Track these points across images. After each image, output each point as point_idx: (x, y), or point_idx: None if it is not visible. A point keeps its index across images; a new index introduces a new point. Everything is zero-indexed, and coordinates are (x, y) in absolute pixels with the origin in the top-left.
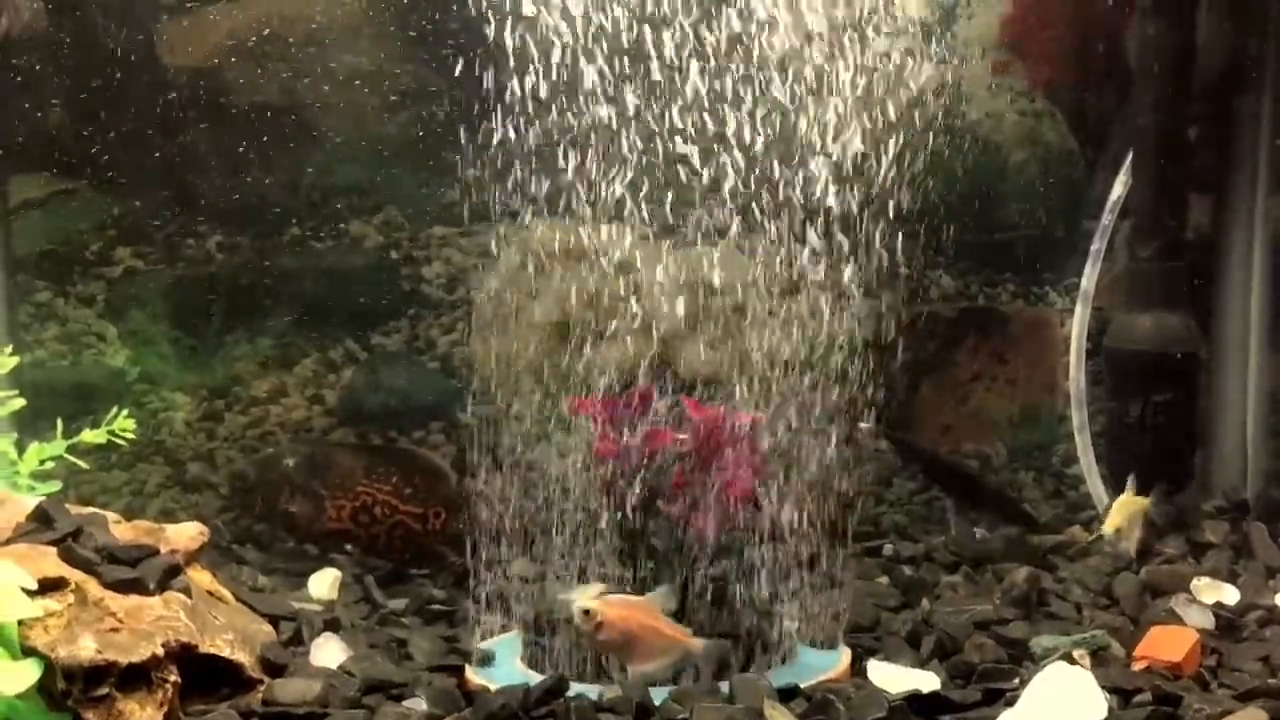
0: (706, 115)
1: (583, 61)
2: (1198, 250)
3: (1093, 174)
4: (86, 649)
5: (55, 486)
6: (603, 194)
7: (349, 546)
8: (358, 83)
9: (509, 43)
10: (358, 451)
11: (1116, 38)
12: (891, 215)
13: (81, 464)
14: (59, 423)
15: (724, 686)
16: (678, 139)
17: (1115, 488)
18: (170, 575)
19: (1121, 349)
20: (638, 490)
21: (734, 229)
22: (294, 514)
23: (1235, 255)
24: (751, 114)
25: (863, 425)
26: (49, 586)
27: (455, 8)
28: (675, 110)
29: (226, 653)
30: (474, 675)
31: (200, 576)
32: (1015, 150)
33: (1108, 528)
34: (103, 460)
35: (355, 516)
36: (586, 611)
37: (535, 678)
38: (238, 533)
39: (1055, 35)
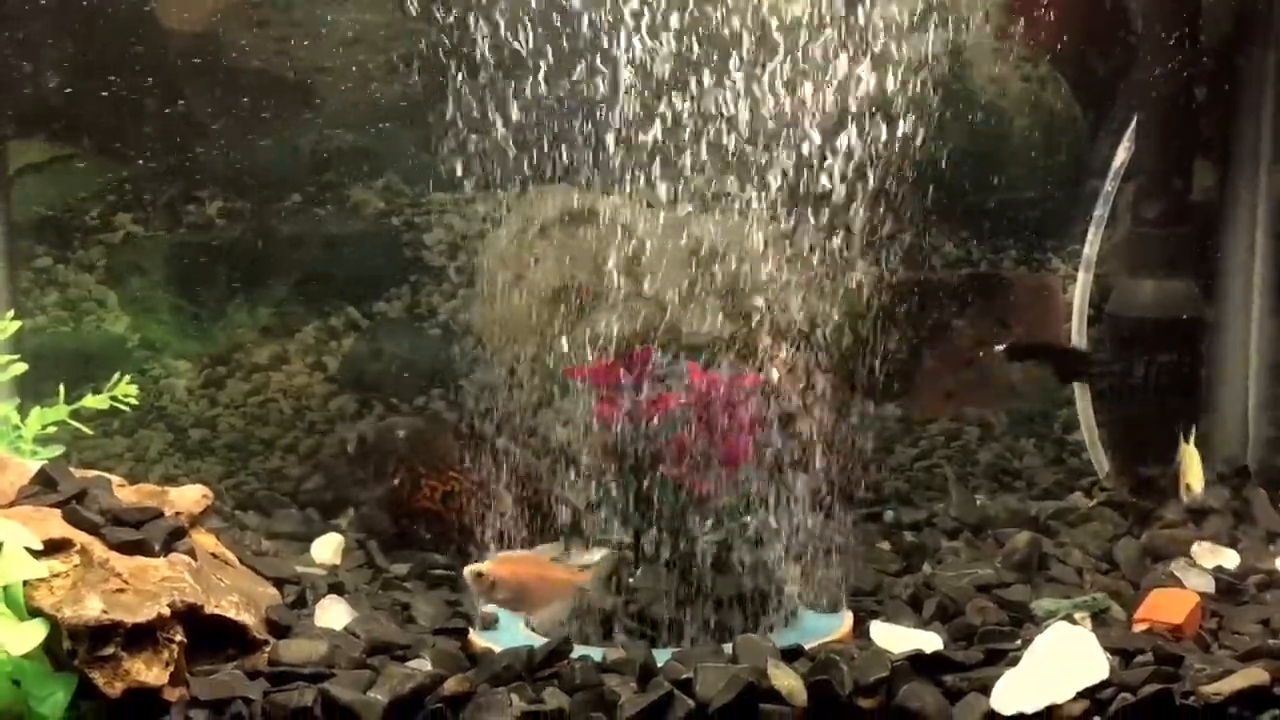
0: (708, 80)
1: (585, 25)
2: (1202, 216)
3: (1096, 140)
4: (92, 609)
5: (58, 451)
6: (604, 160)
7: (427, 534)
8: (359, 46)
9: (511, 5)
10: (456, 437)
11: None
12: (893, 182)
13: (84, 429)
14: (61, 388)
15: (727, 647)
16: (681, 104)
17: (1115, 454)
18: (175, 537)
19: (1124, 315)
20: (639, 454)
21: (734, 195)
22: (396, 486)
23: (1239, 221)
24: (753, 77)
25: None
26: (54, 548)
27: None
28: (678, 73)
29: (232, 614)
30: (477, 638)
31: (204, 539)
32: (1018, 116)
33: (1194, 484)
34: (104, 426)
35: (445, 500)
36: (479, 575)
37: (538, 640)
38: (240, 498)
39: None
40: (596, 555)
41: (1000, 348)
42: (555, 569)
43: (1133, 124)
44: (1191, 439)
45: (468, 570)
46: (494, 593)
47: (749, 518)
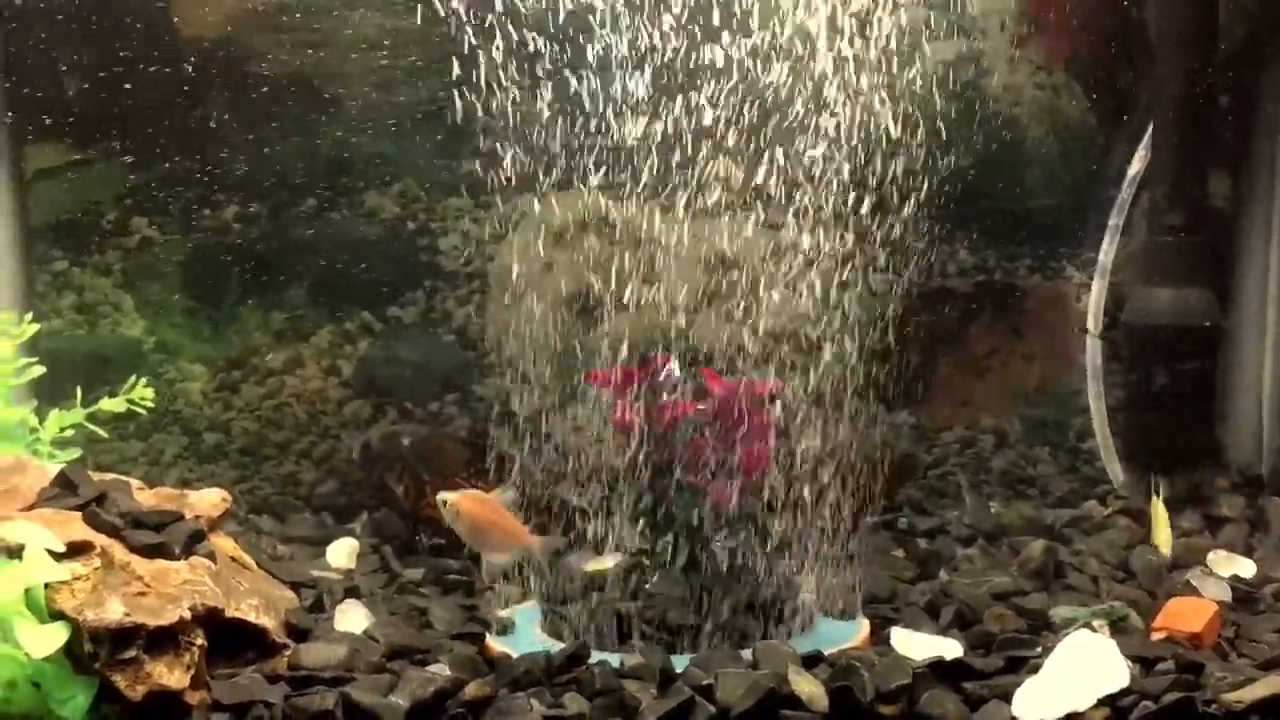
0: (723, 86)
1: (599, 31)
2: (1217, 225)
3: (1111, 148)
4: (114, 612)
5: (76, 454)
6: (619, 166)
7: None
8: (375, 52)
9: (525, 12)
10: (462, 444)
11: (1138, 9)
12: (908, 190)
13: (101, 432)
14: (78, 391)
15: (746, 653)
16: (696, 110)
17: (1130, 462)
18: (195, 540)
19: (1139, 324)
20: (656, 461)
21: (750, 202)
22: (401, 493)
23: (1254, 230)
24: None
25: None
26: (75, 550)
27: None
28: (691, 79)
29: (251, 617)
30: (494, 643)
31: (223, 543)
32: (1033, 124)
33: (1162, 545)
34: (120, 430)
35: None
36: (445, 502)
37: (555, 645)
38: (255, 502)
39: (1075, 7)
40: (610, 561)
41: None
42: (513, 522)
43: (1148, 132)
44: (1160, 495)
45: (439, 495)
46: (456, 522)
47: (764, 524)
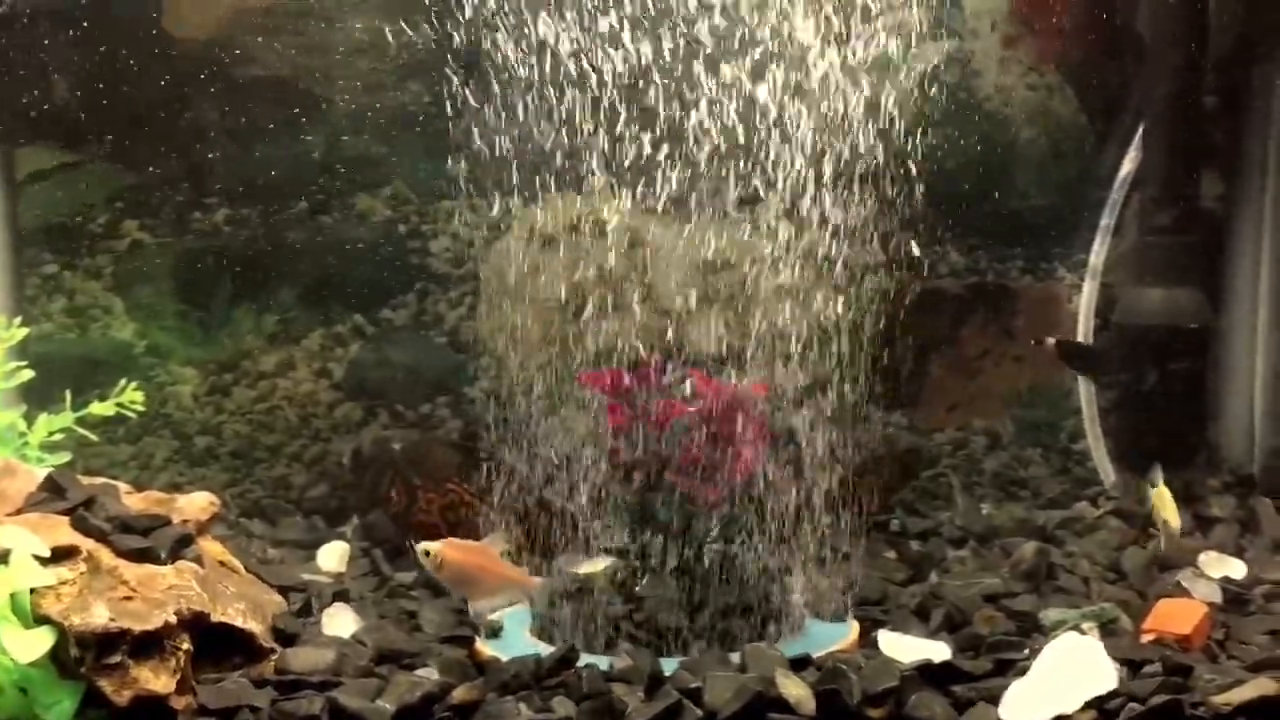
0: (714, 89)
1: (591, 33)
2: (1207, 225)
3: (1102, 149)
4: (100, 617)
5: (65, 458)
6: (611, 168)
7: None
8: (365, 55)
9: (515, 14)
10: (453, 449)
11: (1129, 9)
12: (900, 191)
13: (90, 436)
14: (68, 395)
15: (735, 657)
16: (685, 112)
17: (1120, 463)
18: (182, 545)
19: (1131, 323)
20: (646, 463)
21: (741, 204)
22: (392, 499)
23: (1245, 230)
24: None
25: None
26: (61, 555)
27: None
28: (682, 82)
29: (238, 622)
30: (483, 646)
31: (211, 547)
32: (1025, 125)
33: (1172, 520)
34: (110, 434)
35: (443, 513)
36: (427, 553)
37: (544, 649)
38: (245, 506)
39: (1066, 7)
40: (601, 563)
41: (1052, 341)
42: (504, 565)
43: (1139, 133)
44: (1160, 482)
45: (419, 547)
46: (440, 572)
47: (754, 527)
